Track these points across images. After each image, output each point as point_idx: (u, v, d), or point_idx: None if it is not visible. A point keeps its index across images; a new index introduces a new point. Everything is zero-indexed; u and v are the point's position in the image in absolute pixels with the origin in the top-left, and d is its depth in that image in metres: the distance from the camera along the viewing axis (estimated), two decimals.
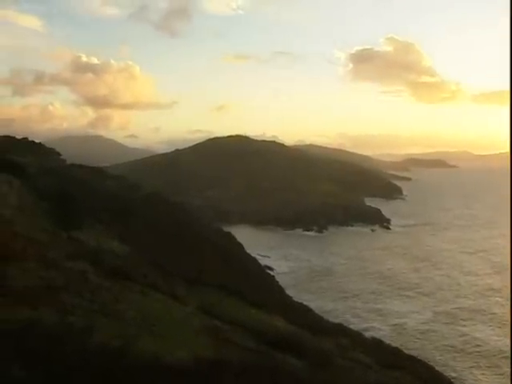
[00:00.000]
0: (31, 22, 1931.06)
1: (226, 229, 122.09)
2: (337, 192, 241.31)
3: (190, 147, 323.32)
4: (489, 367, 75.73)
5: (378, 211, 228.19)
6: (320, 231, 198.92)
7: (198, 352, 20.83)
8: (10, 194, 38.60)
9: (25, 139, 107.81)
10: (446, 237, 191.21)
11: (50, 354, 14.47)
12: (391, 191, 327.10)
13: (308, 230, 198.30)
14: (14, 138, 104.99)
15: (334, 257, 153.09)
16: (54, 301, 22.54)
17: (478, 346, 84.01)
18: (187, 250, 70.77)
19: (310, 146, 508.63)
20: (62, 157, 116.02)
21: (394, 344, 68.65)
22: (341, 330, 61.14)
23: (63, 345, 15.56)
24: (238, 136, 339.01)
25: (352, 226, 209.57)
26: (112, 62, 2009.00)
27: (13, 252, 26.55)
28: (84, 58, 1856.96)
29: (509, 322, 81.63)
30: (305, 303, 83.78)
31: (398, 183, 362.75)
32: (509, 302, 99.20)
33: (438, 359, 77.32)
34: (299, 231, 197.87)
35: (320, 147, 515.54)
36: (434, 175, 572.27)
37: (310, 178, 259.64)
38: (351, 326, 76.22)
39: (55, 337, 16.32)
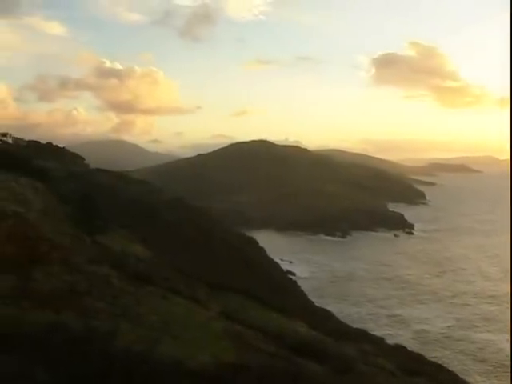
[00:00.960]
0: (55, 28, 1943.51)
1: (249, 233, 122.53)
2: (360, 197, 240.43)
3: (212, 152, 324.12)
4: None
5: (401, 216, 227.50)
6: (343, 236, 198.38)
7: (219, 356, 20.92)
8: (35, 198, 38.99)
9: (49, 144, 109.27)
10: (467, 242, 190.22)
11: (73, 357, 14.66)
12: (414, 196, 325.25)
13: (331, 235, 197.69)
14: (39, 142, 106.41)
15: (356, 262, 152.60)
16: (77, 305, 22.79)
17: (499, 352, 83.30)
18: (209, 254, 71.10)
19: (333, 150, 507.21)
20: (85, 161, 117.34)
21: (415, 350, 68.30)
22: (363, 336, 60.93)
23: (86, 348, 15.74)
24: (260, 141, 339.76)
25: (375, 231, 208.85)
26: (135, 67, 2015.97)
27: (38, 256, 26.89)
28: (108, 64, 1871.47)
29: None
30: (326, 308, 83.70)
31: (422, 188, 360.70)
32: None
33: (460, 365, 76.88)
34: (322, 236, 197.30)
35: (343, 152, 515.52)
36: (457, 180, 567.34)
37: (333, 182, 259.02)
38: (372, 332, 76.01)
39: (79, 340, 16.51)
